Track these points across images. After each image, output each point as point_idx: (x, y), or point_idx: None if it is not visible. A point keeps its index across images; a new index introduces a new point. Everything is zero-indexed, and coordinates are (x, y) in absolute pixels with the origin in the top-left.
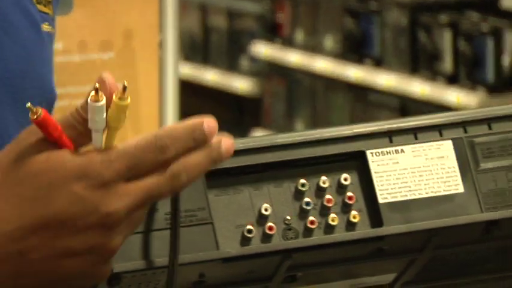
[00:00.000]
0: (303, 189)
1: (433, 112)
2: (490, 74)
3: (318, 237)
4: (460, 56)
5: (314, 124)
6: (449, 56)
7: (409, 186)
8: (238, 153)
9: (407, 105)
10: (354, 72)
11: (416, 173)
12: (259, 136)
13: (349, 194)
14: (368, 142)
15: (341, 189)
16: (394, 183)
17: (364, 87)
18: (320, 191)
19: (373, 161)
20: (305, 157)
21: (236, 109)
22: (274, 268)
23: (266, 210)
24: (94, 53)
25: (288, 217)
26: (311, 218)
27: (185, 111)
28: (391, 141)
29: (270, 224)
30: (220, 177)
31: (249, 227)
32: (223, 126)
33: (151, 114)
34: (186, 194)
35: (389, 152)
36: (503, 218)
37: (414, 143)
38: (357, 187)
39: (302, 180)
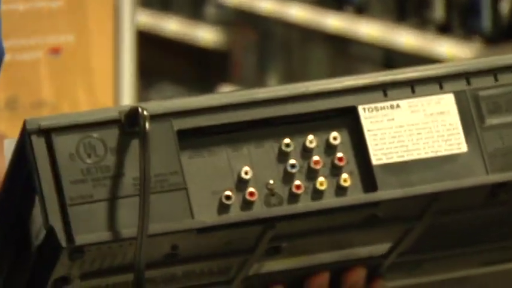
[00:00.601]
0: (287, 149)
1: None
2: (486, 23)
3: (305, 204)
4: (453, 2)
5: (289, 80)
6: (440, 2)
7: (406, 146)
8: (214, 109)
9: (392, 58)
10: (333, 21)
11: (414, 130)
12: (237, 90)
13: (339, 154)
14: (360, 96)
15: (330, 149)
16: (389, 143)
17: (345, 38)
18: (306, 152)
19: (365, 118)
20: (289, 114)
21: (200, 63)
22: (256, 239)
23: (246, 173)
24: (40, 0)
25: (271, 181)
26: (297, 182)
27: (143, 65)
28: (385, 95)
29: (250, 189)
30: (194, 136)
31: (227, 193)
32: (185, 83)
33: (104, 68)
34: (157, 156)
35: (384, 108)
36: (511, 180)
37: (411, 97)
38: (347, 147)
39: (286, 140)
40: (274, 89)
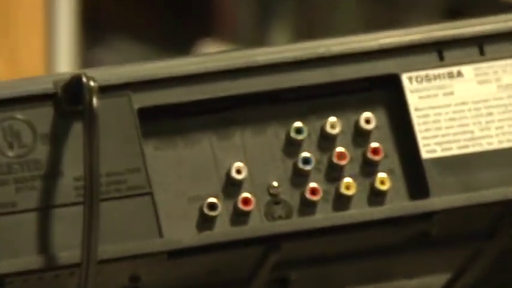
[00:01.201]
0: (299, 137)
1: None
2: None
3: (324, 216)
4: None
5: (301, 37)
6: None
7: (471, 132)
8: (192, 79)
9: (459, 4)
10: None
11: (483, 110)
12: (227, 51)
13: (373, 145)
14: (404, 60)
15: (360, 137)
16: (446, 127)
17: None
18: (326, 141)
19: (412, 91)
20: (301, 85)
21: (174, 11)
22: (254, 266)
23: (239, 172)
24: None
25: (275, 183)
26: (312, 184)
27: (89, 14)
28: (441, 59)
29: (245, 194)
30: (164, 118)
31: (212, 200)
32: (152, 39)
33: (31, 21)
34: (109, 147)
35: (439, 76)
36: None
37: (479, 61)
38: (386, 134)
39: (297, 123)
40: (279, 50)
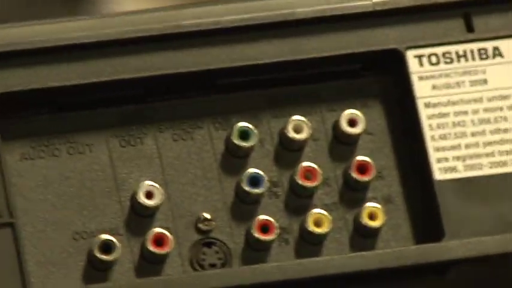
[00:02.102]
0: (245, 144)
1: None
2: None
3: (280, 266)
4: None
5: None
6: None
7: (509, 142)
8: (70, 52)
9: None
10: None
11: None
12: (134, 13)
13: (360, 158)
14: (410, 30)
15: (341, 146)
16: (473, 134)
17: None
18: (287, 152)
19: (421, 78)
20: (250, 65)
21: None
22: None
23: (150, 196)
24: None
25: (207, 215)
26: (262, 217)
27: None
28: (469, 28)
29: (158, 230)
30: (34, 113)
31: (106, 237)
32: None
33: None
34: None
35: (465, 55)
36: None
37: None
38: (380, 142)
39: (242, 124)
40: (217, 11)
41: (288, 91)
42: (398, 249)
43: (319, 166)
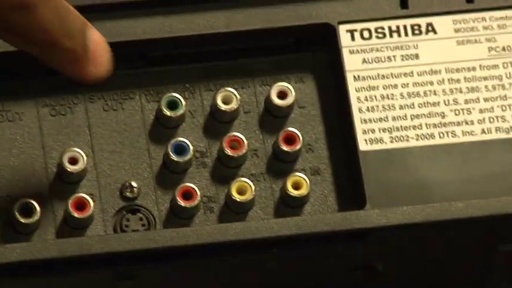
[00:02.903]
0: (173, 114)
1: None
2: None
3: (198, 229)
4: None
5: None
6: None
7: (441, 115)
8: None
9: None
10: None
11: (463, 82)
12: None
13: (288, 130)
14: (342, 4)
15: (270, 118)
16: (402, 107)
17: None
18: (216, 122)
19: (352, 52)
20: (181, 36)
21: None
22: None
23: (74, 161)
24: None
25: (133, 183)
26: (186, 184)
27: None
28: (404, 4)
29: (81, 195)
30: None
31: (27, 200)
32: None
33: None
34: None
35: (397, 31)
36: None
37: (463, 11)
38: (308, 115)
39: (171, 94)
40: None
41: (222, 65)
42: (318, 216)
43: (248, 138)
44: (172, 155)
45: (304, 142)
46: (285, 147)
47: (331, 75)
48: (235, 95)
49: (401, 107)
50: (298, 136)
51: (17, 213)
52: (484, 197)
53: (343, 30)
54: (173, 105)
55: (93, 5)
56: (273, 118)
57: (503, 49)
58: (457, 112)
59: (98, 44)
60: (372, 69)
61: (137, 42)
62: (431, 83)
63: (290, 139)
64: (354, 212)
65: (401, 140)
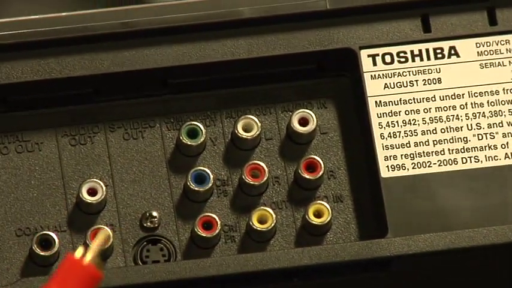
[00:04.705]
0: (193, 142)
1: None
2: None
3: (220, 260)
4: None
5: None
6: None
7: (464, 140)
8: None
9: None
10: None
11: (486, 106)
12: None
13: (309, 157)
14: (364, 29)
15: (292, 146)
16: (423, 132)
17: None
18: (237, 150)
19: (374, 77)
20: (201, 63)
21: None
22: None
23: (94, 193)
24: None
25: (154, 213)
26: (206, 214)
27: None
28: (426, 28)
29: (101, 227)
30: None
31: (46, 232)
32: None
33: None
34: None
35: (420, 55)
36: None
37: (486, 34)
38: (330, 142)
39: (191, 123)
40: (163, 8)
41: (243, 92)
42: (339, 245)
43: (270, 165)
44: (192, 184)
45: (326, 169)
46: (306, 175)
47: (353, 101)
48: (256, 122)
49: (423, 133)
50: (320, 163)
51: (36, 246)
52: (509, 223)
53: (364, 55)
54: (193, 133)
55: (112, 33)
56: (294, 145)
57: None
58: (480, 137)
59: None
60: (393, 94)
61: (158, 70)
62: (454, 108)
63: (312, 166)
64: (375, 240)
65: (423, 166)
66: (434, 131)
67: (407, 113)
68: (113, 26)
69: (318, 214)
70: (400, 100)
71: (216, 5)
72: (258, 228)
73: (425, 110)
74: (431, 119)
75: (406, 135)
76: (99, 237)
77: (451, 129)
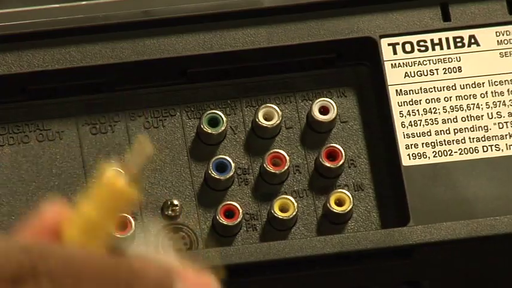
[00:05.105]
0: (214, 131)
1: None
2: None
3: (241, 249)
4: None
5: None
6: None
7: (485, 129)
8: None
9: None
10: None
11: (507, 95)
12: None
13: (330, 145)
14: (383, 17)
15: (313, 134)
16: (444, 121)
17: None
18: (258, 138)
19: (394, 66)
20: (220, 52)
21: None
22: None
23: None
24: None
25: (175, 201)
26: (227, 202)
27: None
28: (445, 17)
29: (123, 215)
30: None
31: None
32: None
33: None
34: None
35: (440, 43)
36: None
37: (506, 22)
38: (351, 131)
39: (212, 111)
40: None
41: (263, 80)
42: (361, 234)
43: (290, 154)
44: (213, 172)
45: (347, 157)
46: (327, 163)
47: (373, 89)
48: (276, 111)
49: (444, 121)
50: (341, 151)
51: None
52: None
53: (384, 43)
54: (214, 122)
55: (132, 22)
56: (315, 133)
57: None
58: (500, 125)
59: None
60: (414, 83)
61: (177, 59)
62: (475, 96)
63: (332, 155)
64: (397, 228)
65: (444, 155)
66: (455, 120)
67: (427, 101)
68: (134, 14)
69: (339, 202)
70: (421, 89)
71: None
72: (280, 217)
73: (446, 99)
74: (451, 107)
75: (427, 123)
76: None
77: (472, 117)
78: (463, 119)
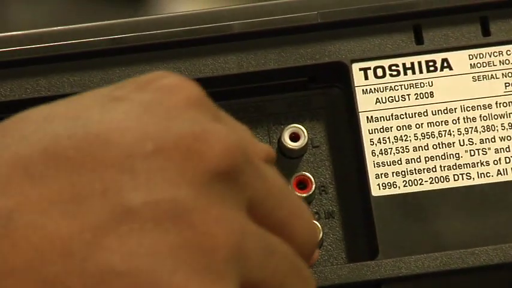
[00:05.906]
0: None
1: None
2: None
3: None
4: None
5: None
6: None
7: (456, 156)
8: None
9: None
10: None
11: (478, 121)
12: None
13: (300, 174)
14: (355, 42)
15: (283, 161)
16: (415, 149)
17: None
18: None
19: (365, 92)
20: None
21: None
22: None
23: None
24: None
25: None
26: None
27: None
28: (418, 40)
29: None
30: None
31: None
32: None
33: None
34: None
35: (412, 68)
36: None
37: (479, 45)
38: (322, 158)
39: None
40: (152, 22)
41: (234, 104)
42: (328, 268)
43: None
44: None
45: (317, 184)
46: (297, 193)
47: (345, 114)
48: None
49: (415, 149)
50: (311, 180)
51: None
52: (502, 242)
53: (356, 68)
54: None
55: (102, 50)
56: (286, 159)
57: None
58: (472, 153)
59: None
60: (385, 109)
61: None
62: (446, 123)
63: (302, 183)
64: (365, 262)
65: (415, 184)
66: (426, 147)
67: (398, 128)
68: (102, 42)
69: None
70: (392, 115)
71: (205, 20)
72: None
73: (417, 126)
74: (423, 134)
75: (397, 151)
76: None
77: (443, 145)
78: (434, 147)
